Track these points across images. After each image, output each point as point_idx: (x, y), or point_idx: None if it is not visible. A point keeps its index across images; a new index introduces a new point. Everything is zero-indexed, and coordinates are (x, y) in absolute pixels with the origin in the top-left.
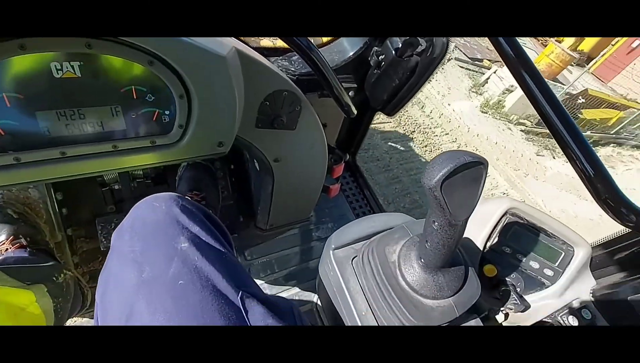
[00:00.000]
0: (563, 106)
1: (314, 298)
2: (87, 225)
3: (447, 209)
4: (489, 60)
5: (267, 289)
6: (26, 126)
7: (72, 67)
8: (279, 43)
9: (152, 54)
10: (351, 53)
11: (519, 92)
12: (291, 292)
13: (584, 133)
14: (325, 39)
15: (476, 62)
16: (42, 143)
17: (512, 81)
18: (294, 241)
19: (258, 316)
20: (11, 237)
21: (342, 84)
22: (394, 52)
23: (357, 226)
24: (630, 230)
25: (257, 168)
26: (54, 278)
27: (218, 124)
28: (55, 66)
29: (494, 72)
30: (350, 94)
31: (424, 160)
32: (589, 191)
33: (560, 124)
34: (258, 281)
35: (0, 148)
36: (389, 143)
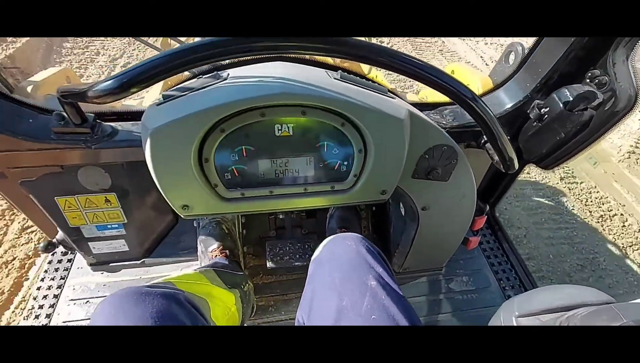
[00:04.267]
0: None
1: None
2: (254, 245)
3: None
4: None
5: None
6: (251, 169)
7: (288, 128)
8: (432, 98)
9: (345, 118)
10: (509, 105)
11: None
12: None
13: None
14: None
15: None
16: (258, 183)
17: None
18: (423, 289)
19: None
20: (220, 247)
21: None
22: (562, 105)
23: (542, 296)
24: None
25: (403, 213)
26: (242, 286)
27: (385, 175)
28: (277, 127)
29: None
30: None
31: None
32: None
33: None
34: None
35: (233, 185)
36: (538, 197)
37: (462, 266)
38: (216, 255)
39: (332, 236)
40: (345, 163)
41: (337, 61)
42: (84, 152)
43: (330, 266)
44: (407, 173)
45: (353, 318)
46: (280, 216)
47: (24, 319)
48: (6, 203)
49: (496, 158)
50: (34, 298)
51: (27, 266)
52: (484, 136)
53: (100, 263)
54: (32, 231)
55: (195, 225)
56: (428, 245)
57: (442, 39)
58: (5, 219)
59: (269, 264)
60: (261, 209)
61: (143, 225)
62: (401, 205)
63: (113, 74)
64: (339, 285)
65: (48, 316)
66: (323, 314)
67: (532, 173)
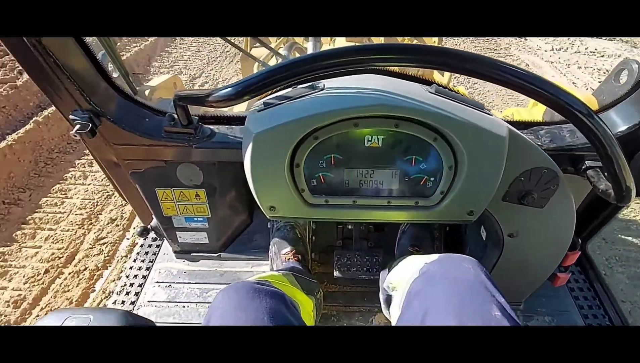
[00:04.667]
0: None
1: None
2: (320, 252)
3: None
4: None
5: None
6: (336, 178)
7: (378, 139)
8: (518, 117)
9: (438, 133)
10: (622, 129)
11: None
12: None
13: None
14: None
15: None
16: (342, 192)
17: None
18: None
19: None
20: (293, 251)
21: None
22: None
23: None
24: None
25: (484, 237)
26: (316, 294)
27: (475, 195)
28: (367, 138)
29: None
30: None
31: None
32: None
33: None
34: None
35: (318, 191)
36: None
37: (544, 304)
38: (289, 258)
39: (442, 254)
40: (432, 179)
41: (412, 70)
42: (186, 150)
43: (446, 286)
44: (498, 195)
45: None
46: (349, 227)
47: (117, 294)
48: (86, 212)
49: (602, 186)
50: (127, 276)
51: (95, 277)
52: (586, 162)
53: (184, 251)
54: (104, 244)
55: (269, 227)
56: (510, 276)
57: (527, 62)
58: (83, 229)
59: (336, 273)
60: (343, 217)
61: (223, 221)
62: (483, 229)
63: (229, 83)
64: (458, 309)
65: (137, 294)
66: None
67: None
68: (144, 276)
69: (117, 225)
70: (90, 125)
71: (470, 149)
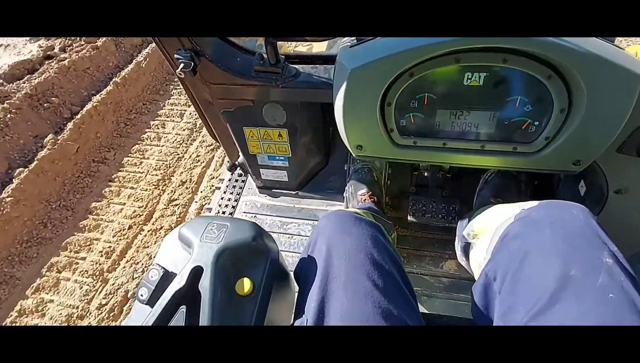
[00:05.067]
0: None
1: None
2: (394, 197)
3: None
4: None
5: None
6: (427, 118)
7: (479, 77)
8: None
9: (554, 69)
10: None
11: None
12: None
13: None
14: None
15: None
16: (432, 133)
17: None
18: None
19: None
20: (369, 193)
21: None
22: None
23: None
24: None
25: (582, 193)
26: (390, 233)
27: (586, 143)
28: (467, 75)
29: None
30: None
31: None
32: None
33: None
34: None
35: (407, 132)
36: None
37: (638, 271)
38: (365, 199)
39: (544, 201)
40: (537, 123)
41: None
42: (272, 90)
43: (553, 230)
44: (613, 145)
45: (583, 291)
46: (425, 174)
47: None
48: (161, 173)
49: None
50: (219, 205)
51: None
52: None
53: (266, 187)
54: (176, 205)
55: (345, 169)
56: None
57: None
58: (159, 189)
59: (410, 218)
60: (431, 160)
61: (301, 161)
62: (582, 183)
63: None
64: (565, 253)
65: None
66: (539, 278)
67: None
68: (233, 206)
69: (187, 188)
70: (192, 64)
71: (594, 89)
